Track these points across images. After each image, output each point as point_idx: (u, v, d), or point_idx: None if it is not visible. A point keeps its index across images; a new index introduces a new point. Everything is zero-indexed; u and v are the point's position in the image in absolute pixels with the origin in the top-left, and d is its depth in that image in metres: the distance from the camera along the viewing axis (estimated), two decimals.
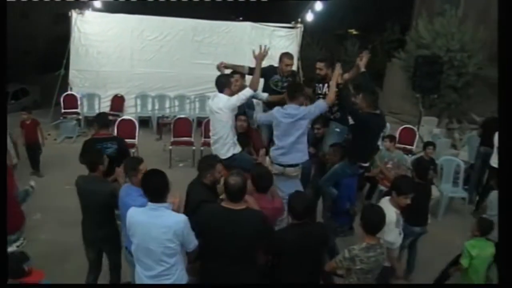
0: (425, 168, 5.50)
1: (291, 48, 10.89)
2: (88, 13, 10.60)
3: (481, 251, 4.58)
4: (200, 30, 11.14)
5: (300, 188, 4.99)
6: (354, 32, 21.52)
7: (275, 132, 5.01)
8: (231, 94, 5.15)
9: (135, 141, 8.52)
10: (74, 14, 10.48)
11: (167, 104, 11.38)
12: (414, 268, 5.65)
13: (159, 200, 3.33)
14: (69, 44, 10.59)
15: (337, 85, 5.15)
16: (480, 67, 11.44)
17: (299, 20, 11.69)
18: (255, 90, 5.21)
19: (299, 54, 11.32)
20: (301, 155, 5.04)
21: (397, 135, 8.90)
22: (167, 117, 10.79)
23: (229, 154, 5.25)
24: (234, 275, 3.59)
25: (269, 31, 11.52)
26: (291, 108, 4.89)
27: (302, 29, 11.65)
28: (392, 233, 4.09)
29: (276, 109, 4.97)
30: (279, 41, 11.44)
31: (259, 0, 11.58)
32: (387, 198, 4.35)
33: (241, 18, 20.44)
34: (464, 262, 4.60)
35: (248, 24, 11.51)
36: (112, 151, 5.24)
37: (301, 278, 3.79)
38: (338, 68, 5.25)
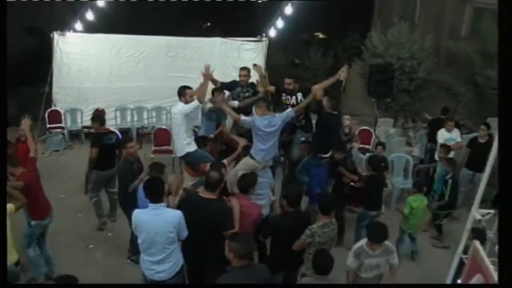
0: (377, 162, 6.84)
1: (258, 59, 11.77)
2: (69, 34, 11.34)
3: (420, 203, 6.61)
4: (173, 46, 12.01)
5: (270, 173, 6.41)
6: (320, 35, 22.08)
7: (256, 137, 6.03)
8: (186, 102, 6.27)
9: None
10: (56, 36, 11.19)
11: (145, 116, 12.23)
12: None
13: (158, 201, 4.32)
14: (52, 64, 11.32)
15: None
16: (429, 72, 12.70)
17: (264, 34, 12.63)
18: (201, 102, 6.26)
19: (265, 65, 12.25)
20: (275, 152, 6.35)
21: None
22: (146, 128, 11.68)
23: (184, 152, 6.42)
24: (205, 251, 4.62)
25: (237, 45, 12.48)
26: (270, 119, 5.97)
27: (267, 42, 12.64)
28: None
29: (259, 119, 5.95)
30: (247, 53, 12.38)
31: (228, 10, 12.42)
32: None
33: (208, 24, 21.62)
34: (405, 211, 6.58)
35: (217, 40, 12.46)
36: (113, 141, 7.34)
37: (289, 255, 4.89)
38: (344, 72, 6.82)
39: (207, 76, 6.40)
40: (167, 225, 4.28)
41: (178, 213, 4.37)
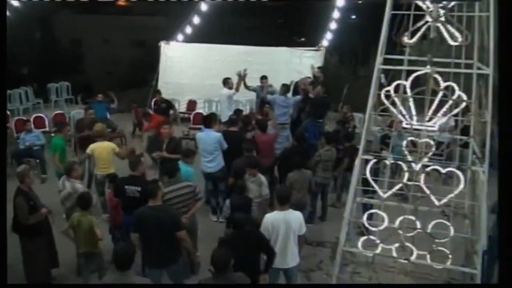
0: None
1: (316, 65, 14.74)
2: (172, 43, 15.38)
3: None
4: (250, 53, 15.06)
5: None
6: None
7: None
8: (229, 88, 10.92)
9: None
10: (162, 44, 15.23)
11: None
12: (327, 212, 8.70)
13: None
14: (158, 65, 15.21)
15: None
16: None
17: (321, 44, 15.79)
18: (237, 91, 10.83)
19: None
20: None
21: None
22: None
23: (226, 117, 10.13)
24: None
25: (299, 53, 15.65)
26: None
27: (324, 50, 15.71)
28: None
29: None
30: (307, 60, 15.41)
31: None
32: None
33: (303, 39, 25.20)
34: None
35: (284, 49, 15.70)
36: None
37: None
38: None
39: (242, 77, 10.50)
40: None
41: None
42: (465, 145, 5.32)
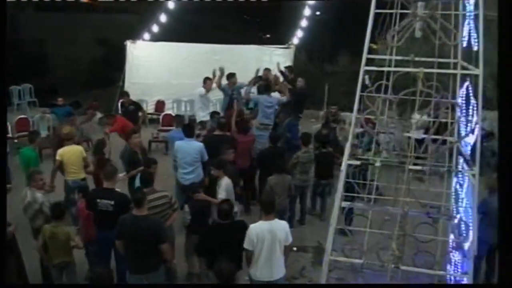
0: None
1: (287, 63, 14.58)
2: (139, 42, 14.97)
3: None
4: (218, 51, 14.89)
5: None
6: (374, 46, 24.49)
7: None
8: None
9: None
10: (128, 43, 14.78)
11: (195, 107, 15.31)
12: (326, 210, 8.64)
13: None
14: (124, 65, 14.81)
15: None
16: None
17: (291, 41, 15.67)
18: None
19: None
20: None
21: None
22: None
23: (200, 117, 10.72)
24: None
25: (269, 51, 15.57)
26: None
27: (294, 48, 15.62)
28: None
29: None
30: (277, 58, 15.30)
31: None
32: None
33: (268, 35, 25.15)
34: None
35: (253, 46, 15.63)
36: None
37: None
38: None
39: (223, 73, 10.30)
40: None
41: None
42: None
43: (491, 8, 4.30)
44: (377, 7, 4.97)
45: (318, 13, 28.09)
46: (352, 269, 5.19)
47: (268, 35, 25.23)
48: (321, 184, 8.66)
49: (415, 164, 4.67)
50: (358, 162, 4.89)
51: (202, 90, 10.77)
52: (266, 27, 26.00)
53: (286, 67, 12.04)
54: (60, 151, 7.83)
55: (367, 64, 4.99)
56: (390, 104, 5.08)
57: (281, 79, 11.61)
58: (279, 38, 17.36)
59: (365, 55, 4.94)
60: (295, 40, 15.92)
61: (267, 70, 11.54)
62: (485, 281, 6.10)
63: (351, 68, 19.51)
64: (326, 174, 8.60)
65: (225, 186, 6.75)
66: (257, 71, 10.99)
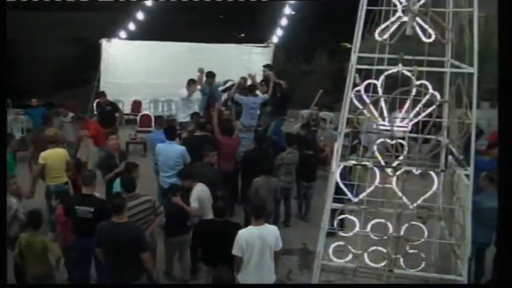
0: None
1: (266, 62, 14.47)
2: (114, 40, 14.46)
3: None
4: (196, 50, 14.63)
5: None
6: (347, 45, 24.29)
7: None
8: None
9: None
10: (104, 42, 14.24)
11: (173, 107, 14.81)
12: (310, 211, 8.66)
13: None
14: (100, 64, 14.36)
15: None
16: None
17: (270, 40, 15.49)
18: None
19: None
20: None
21: None
22: (173, 117, 14.48)
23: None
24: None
25: (248, 50, 15.32)
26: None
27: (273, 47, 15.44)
28: None
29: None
30: (256, 57, 15.17)
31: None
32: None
33: (242, 35, 24.94)
34: None
35: (232, 46, 15.42)
36: None
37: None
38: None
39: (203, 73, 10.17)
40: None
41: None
42: None
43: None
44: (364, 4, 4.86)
45: (293, 12, 28.14)
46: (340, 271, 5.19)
47: (243, 34, 25.09)
48: (303, 186, 8.57)
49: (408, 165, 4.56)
50: (351, 164, 4.76)
51: (185, 92, 10.48)
52: (241, 26, 25.88)
53: (265, 66, 11.72)
54: (43, 154, 7.48)
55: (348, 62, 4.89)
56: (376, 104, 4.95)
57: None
58: (254, 37, 17.19)
59: (356, 53, 4.80)
60: (274, 39, 15.71)
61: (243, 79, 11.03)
62: (474, 281, 6.04)
63: (328, 67, 19.64)
64: (309, 176, 8.52)
65: (196, 195, 6.48)
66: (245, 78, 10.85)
